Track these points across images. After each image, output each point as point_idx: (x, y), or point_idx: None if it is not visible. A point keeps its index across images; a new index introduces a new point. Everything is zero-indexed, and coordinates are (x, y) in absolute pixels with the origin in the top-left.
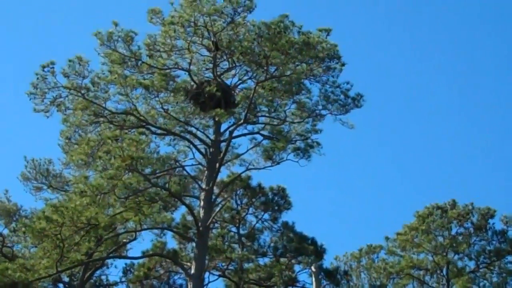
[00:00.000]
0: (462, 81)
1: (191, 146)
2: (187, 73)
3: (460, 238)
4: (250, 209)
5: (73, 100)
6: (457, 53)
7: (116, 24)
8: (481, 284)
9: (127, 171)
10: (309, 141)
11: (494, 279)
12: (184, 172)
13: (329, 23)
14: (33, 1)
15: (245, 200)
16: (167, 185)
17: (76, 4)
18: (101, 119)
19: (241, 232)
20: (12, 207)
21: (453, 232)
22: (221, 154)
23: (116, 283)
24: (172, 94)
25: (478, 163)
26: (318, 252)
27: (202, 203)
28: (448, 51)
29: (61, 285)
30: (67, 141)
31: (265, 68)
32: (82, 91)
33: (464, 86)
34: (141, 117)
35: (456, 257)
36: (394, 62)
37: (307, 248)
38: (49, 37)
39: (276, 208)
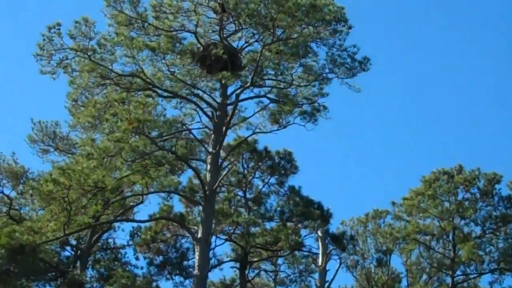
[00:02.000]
0: (471, 44)
1: (198, 109)
2: (193, 35)
3: (466, 203)
4: (257, 173)
5: (80, 62)
6: (466, 13)
7: None
8: (487, 249)
9: (134, 134)
10: (315, 104)
11: (500, 245)
12: (191, 136)
13: None
14: None
15: (251, 164)
16: (173, 148)
17: None
18: (108, 81)
19: (248, 196)
20: (19, 170)
21: (460, 197)
22: (228, 118)
23: (123, 246)
24: (178, 56)
25: (485, 128)
26: (324, 217)
27: (208, 166)
28: (457, 12)
29: (68, 248)
30: (73, 103)
31: (272, 30)
32: (89, 53)
33: (473, 49)
34: (148, 80)
35: (462, 222)
36: (401, 25)
37: (313, 213)
38: None
39: (282, 172)
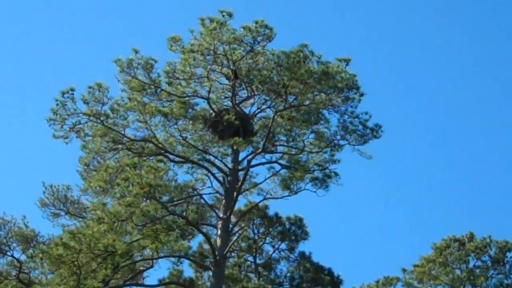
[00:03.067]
0: (480, 112)
1: (209, 174)
2: (206, 101)
3: (477, 271)
4: (267, 238)
5: (92, 126)
6: (475, 82)
7: (136, 51)
8: None
9: (145, 199)
10: (327, 171)
11: None
12: (202, 201)
13: (348, 52)
14: (53, 27)
15: (262, 230)
16: (184, 213)
17: (96, 31)
18: (120, 146)
19: (258, 261)
20: (30, 233)
21: (471, 265)
22: (239, 183)
23: None
24: (190, 122)
25: (497, 195)
26: (335, 283)
27: (219, 231)
28: (463, 81)
29: None
30: (85, 167)
31: (284, 97)
32: (101, 118)
33: (485, 119)
34: (160, 145)
35: None
36: (412, 93)
37: (323, 279)
38: (69, 63)
39: (293, 238)
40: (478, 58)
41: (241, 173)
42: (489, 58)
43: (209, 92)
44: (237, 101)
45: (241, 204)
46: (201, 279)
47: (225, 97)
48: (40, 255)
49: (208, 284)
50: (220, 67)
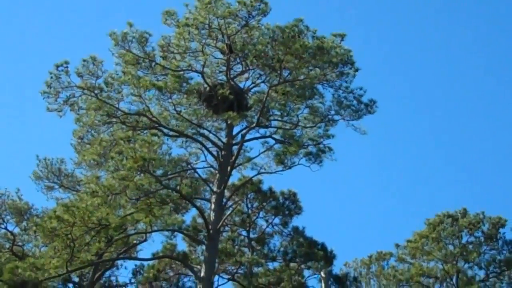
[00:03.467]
0: (477, 87)
1: (203, 148)
2: (200, 75)
3: (470, 246)
4: (261, 213)
5: (87, 100)
6: (472, 57)
7: (130, 25)
8: None
9: (139, 172)
10: (321, 146)
11: None
12: (196, 175)
13: (343, 27)
14: (48, 1)
15: (255, 204)
16: (178, 187)
17: (91, 4)
18: (114, 119)
19: (251, 236)
20: (24, 206)
21: (464, 240)
22: (233, 157)
23: (125, 284)
24: (185, 96)
25: (490, 171)
26: (328, 258)
27: (213, 206)
28: (463, 56)
29: (70, 285)
30: (79, 141)
31: (279, 72)
32: (96, 91)
33: (479, 92)
34: (154, 119)
35: (466, 266)
36: (408, 68)
37: (317, 254)
38: (63, 36)
39: (286, 212)
40: (471, 40)
41: (235, 148)
42: (481, 40)
43: (203, 66)
44: (231, 76)
45: (235, 178)
46: (195, 253)
47: (220, 72)
48: (34, 228)
49: (202, 258)
50: (214, 41)
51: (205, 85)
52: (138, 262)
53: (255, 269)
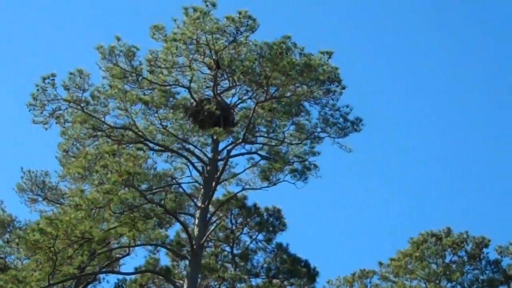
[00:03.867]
0: (462, 106)
1: (188, 163)
2: (187, 90)
3: (453, 266)
4: (245, 229)
5: (73, 113)
6: (457, 76)
7: (118, 39)
8: None
9: (123, 186)
10: (306, 163)
11: None
12: (180, 190)
13: (331, 45)
14: (36, 12)
15: (240, 220)
16: (162, 201)
17: (78, 17)
18: (100, 133)
19: (235, 251)
20: (7, 218)
21: (447, 260)
22: (218, 173)
23: None
24: (171, 110)
25: (474, 192)
26: (311, 275)
27: (197, 221)
28: (447, 74)
29: None
30: (64, 153)
31: (265, 88)
32: (82, 104)
33: (463, 112)
34: (140, 133)
35: (449, 285)
36: (393, 87)
37: (300, 271)
38: (50, 49)
39: (270, 229)
40: (457, 48)
41: (220, 163)
42: (472, 47)
43: (190, 81)
44: (218, 91)
45: (219, 194)
46: (178, 268)
47: (207, 87)
48: (17, 240)
49: (184, 273)
50: (202, 57)
51: (192, 100)
52: (120, 276)
53: (238, 285)
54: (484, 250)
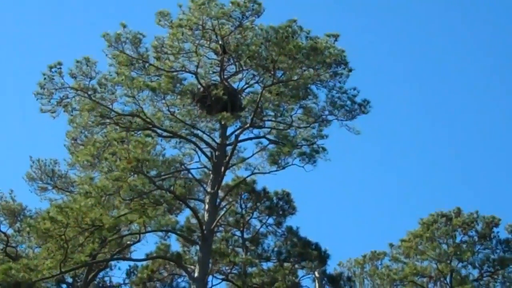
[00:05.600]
0: (470, 87)
1: (197, 149)
2: (194, 76)
3: (464, 246)
4: (255, 213)
5: (80, 101)
6: (465, 57)
7: (124, 26)
8: None
9: (132, 173)
10: (314, 146)
11: None
12: (190, 175)
13: (337, 28)
14: (42, 1)
15: (249, 204)
16: (172, 187)
17: (84, 5)
18: (108, 120)
19: (245, 236)
20: (17, 207)
21: (458, 240)
22: (227, 158)
23: (119, 285)
24: (178, 96)
25: (484, 171)
26: (322, 258)
27: (206, 206)
28: (455, 55)
29: (64, 285)
30: (73, 142)
31: (272, 72)
32: (89, 92)
33: (472, 92)
34: (148, 119)
35: (460, 265)
36: (401, 69)
37: (310, 253)
38: (57, 37)
39: (280, 212)
40: (463, 35)
41: (229, 148)
42: (476, 37)
43: (197, 67)
44: (225, 76)
45: (228, 178)
46: (189, 253)
47: (214, 72)
48: (27, 229)
49: (196, 258)
50: (208, 42)
51: (199, 86)
52: (132, 263)
53: (249, 269)
54: (495, 229)
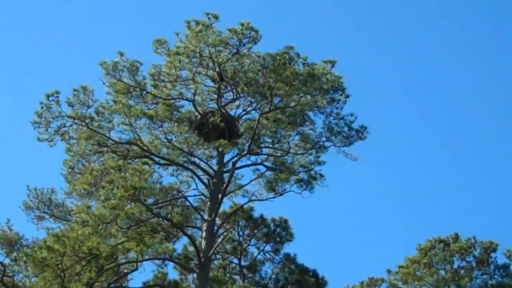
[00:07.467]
0: (469, 114)
1: (194, 176)
2: (191, 103)
3: (462, 271)
4: (252, 240)
5: (77, 129)
6: (463, 83)
7: (121, 54)
8: None
9: (129, 201)
10: (312, 172)
11: None
12: (187, 203)
13: (335, 52)
14: (39, 29)
15: (247, 231)
16: (169, 215)
17: (81, 33)
18: (105, 149)
19: (243, 263)
20: (14, 236)
21: (455, 265)
22: (224, 185)
23: None
24: (176, 124)
25: (481, 196)
26: (320, 285)
27: (204, 234)
28: (455, 82)
29: None
30: (70, 170)
31: (269, 99)
32: (86, 121)
33: (470, 119)
34: (145, 147)
35: None
36: (399, 94)
37: (308, 280)
38: (54, 66)
39: (278, 239)
40: (461, 54)
41: (226, 175)
42: (471, 52)
43: (194, 94)
44: (222, 103)
45: (226, 206)
46: (186, 281)
47: (211, 99)
48: (24, 258)
49: (193, 286)
50: (205, 70)
51: (196, 113)
52: None
53: None
54: (492, 254)
